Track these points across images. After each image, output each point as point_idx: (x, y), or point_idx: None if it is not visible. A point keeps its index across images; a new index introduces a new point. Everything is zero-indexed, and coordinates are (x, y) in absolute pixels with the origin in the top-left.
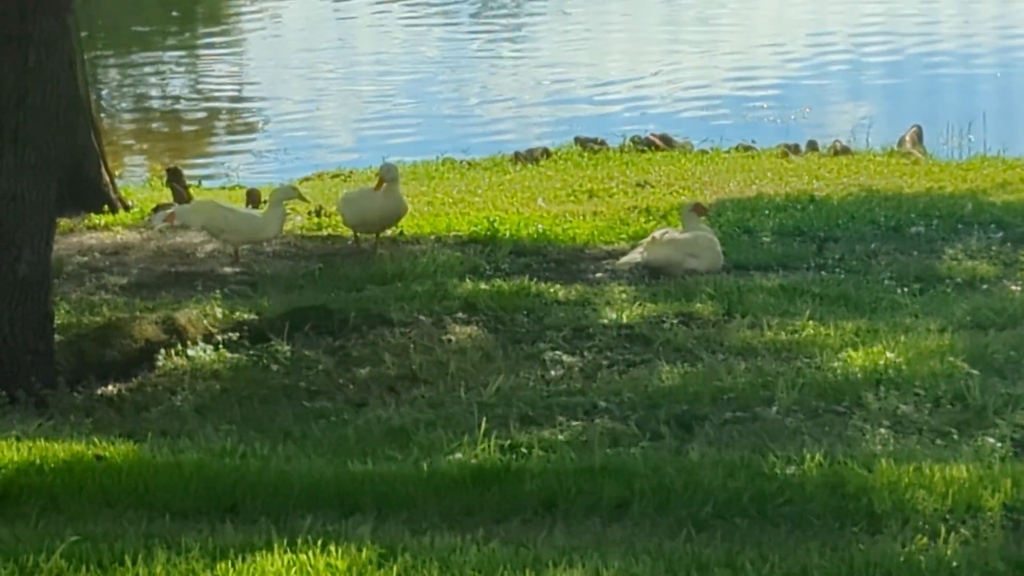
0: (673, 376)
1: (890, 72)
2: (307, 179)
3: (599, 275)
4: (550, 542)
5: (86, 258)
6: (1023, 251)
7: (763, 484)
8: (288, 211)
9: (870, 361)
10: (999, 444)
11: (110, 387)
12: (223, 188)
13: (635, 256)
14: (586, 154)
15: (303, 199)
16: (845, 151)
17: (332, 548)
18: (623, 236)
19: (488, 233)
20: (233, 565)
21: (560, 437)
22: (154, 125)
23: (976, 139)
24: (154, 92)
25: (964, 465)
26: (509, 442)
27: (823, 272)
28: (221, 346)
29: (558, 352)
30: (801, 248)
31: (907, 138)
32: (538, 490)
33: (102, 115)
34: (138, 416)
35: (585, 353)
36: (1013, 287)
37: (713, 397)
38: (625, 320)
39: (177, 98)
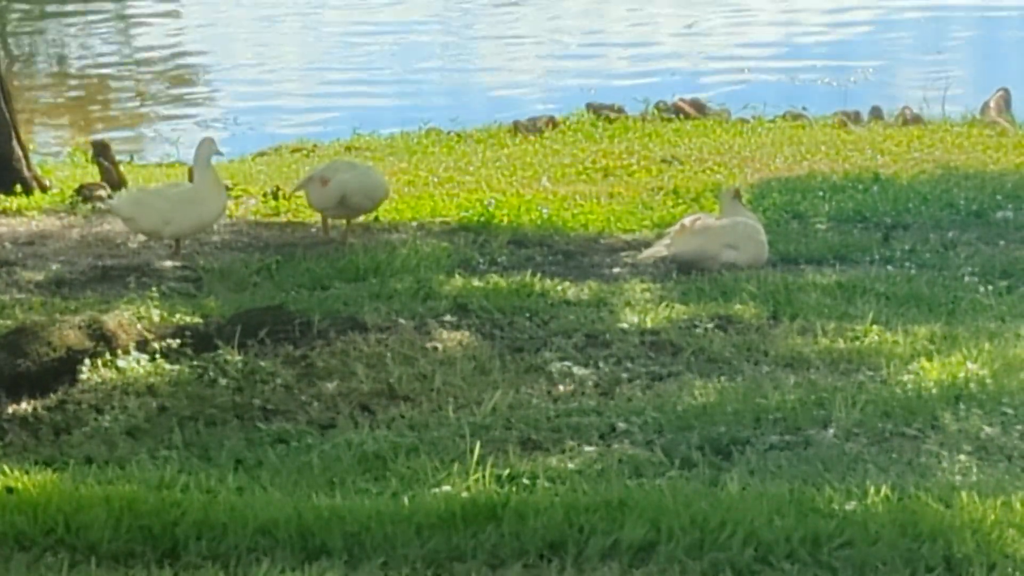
0: (707, 392)
1: (972, 25)
2: (263, 154)
3: (617, 270)
4: None
5: None
6: None
7: (817, 523)
8: (239, 193)
9: (947, 374)
10: None
11: (24, 404)
12: (160, 165)
13: (661, 248)
14: (600, 123)
15: (218, 151)
16: (916, 120)
17: None
18: (646, 223)
19: (482, 219)
20: None
21: (570, 465)
22: (77, 90)
23: None
24: (77, 51)
25: None
26: (508, 471)
27: (889, 266)
28: (158, 355)
29: (567, 363)
30: (863, 237)
31: (992, 104)
32: (543, 529)
33: (13, 78)
34: (58, 440)
35: (600, 364)
36: None
37: (756, 417)
38: (649, 325)
39: (105, 58)
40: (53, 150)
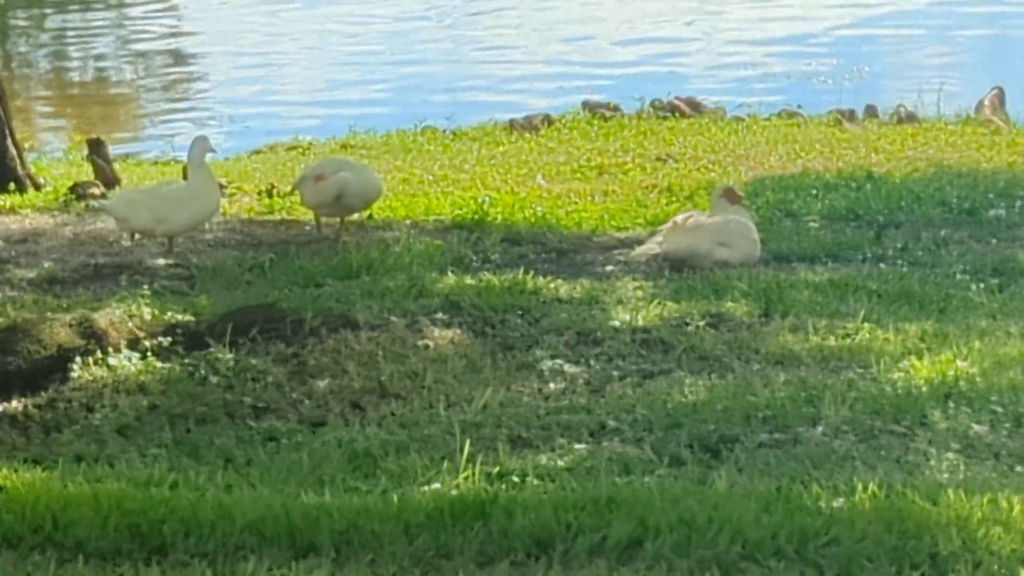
0: (698, 390)
1: (967, 24)
2: (258, 152)
3: (609, 268)
4: None
5: None
6: None
7: (804, 520)
8: (234, 191)
9: (937, 372)
10: None
11: (14, 403)
12: (155, 163)
13: (653, 245)
14: (596, 122)
15: (212, 149)
16: (910, 118)
17: None
18: (639, 221)
19: (475, 217)
20: None
21: (560, 463)
22: (73, 88)
23: None
24: (73, 49)
25: None
26: (498, 469)
27: (881, 264)
28: (149, 353)
29: (558, 361)
30: (855, 235)
31: (986, 103)
32: (532, 526)
33: (12, 77)
34: (48, 438)
35: (591, 362)
36: None
37: (746, 415)
38: (640, 322)
39: (101, 56)
40: (51, 149)
